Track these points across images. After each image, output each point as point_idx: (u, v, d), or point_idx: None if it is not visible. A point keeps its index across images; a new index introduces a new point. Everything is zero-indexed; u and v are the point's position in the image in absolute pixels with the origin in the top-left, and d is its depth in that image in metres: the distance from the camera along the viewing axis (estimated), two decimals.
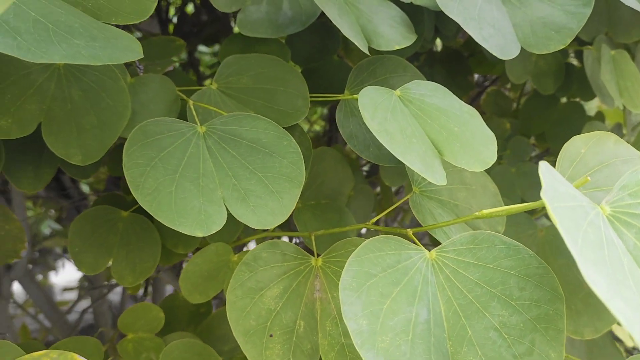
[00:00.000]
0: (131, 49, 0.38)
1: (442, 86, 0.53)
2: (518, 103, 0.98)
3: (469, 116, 0.52)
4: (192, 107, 0.55)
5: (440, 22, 0.78)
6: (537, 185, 0.80)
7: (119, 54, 0.37)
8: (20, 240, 0.70)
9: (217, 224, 0.45)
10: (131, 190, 0.44)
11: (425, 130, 0.50)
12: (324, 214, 0.68)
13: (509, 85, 0.93)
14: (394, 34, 0.57)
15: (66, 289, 2.01)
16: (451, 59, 0.92)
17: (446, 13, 0.54)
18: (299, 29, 0.61)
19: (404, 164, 0.65)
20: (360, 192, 0.75)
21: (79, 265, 0.63)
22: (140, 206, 0.65)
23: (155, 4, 0.43)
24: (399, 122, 0.48)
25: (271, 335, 0.54)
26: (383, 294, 0.43)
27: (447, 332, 0.43)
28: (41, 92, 0.51)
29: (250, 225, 0.46)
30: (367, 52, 0.54)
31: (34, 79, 0.51)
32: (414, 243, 0.47)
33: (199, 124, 0.51)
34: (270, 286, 0.54)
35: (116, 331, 0.70)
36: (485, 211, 0.46)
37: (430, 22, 0.74)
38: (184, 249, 0.67)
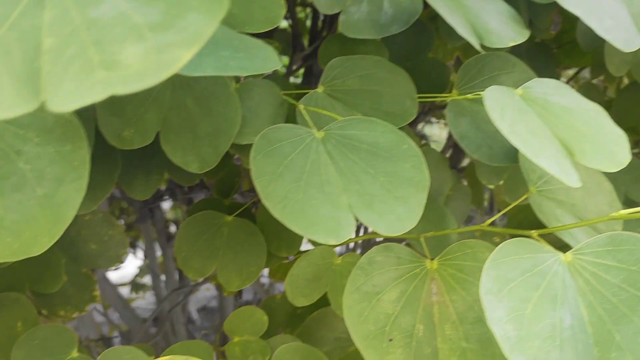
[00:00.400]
0: (271, 59, 0.38)
1: (563, 84, 0.51)
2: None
3: (595, 114, 0.50)
4: (303, 111, 0.55)
5: (535, 15, 0.75)
6: None
7: (261, 64, 0.37)
8: (122, 245, 0.72)
9: (348, 231, 0.45)
10: (262, 199, 0.44)
11: (552, 131, 0.48)
12: (425, 214, 0.67)
13: (601, 77, 0.90)
14: (506, 30, 0.56)
15: (121, 285, 2.05)
16: (537, 52, 0.89)
17: (564, 6, 0.52)
18: (402, 28, 0.60)
19: (503, 165, 0.64)
20: (459, 191, 0.73)
21: (186, 271, 0.64)
22: (243, 210, 0.66)
23: (285, 10, 0.43)
24: (527, 123, 0.46)
25: (391, 340, 0.53)
26: (524, 298, 0.42)
27: (593, 338, 0.42)
28: (158, 101, 0.52)
29: (379, 232, 0.46)
30: (480, 49, 0.53)
31: (151, 89, 0.51)
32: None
33: (315, 129, 0.50)
34: (386, 290, 0.54)
35: (218, 334, 0.71)
36: (623, 212, 0.44)
37: (525, 15, 0.72)
38: (286, 252, 0.67)
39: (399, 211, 0.47)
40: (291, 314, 0.77)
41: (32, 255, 0.35)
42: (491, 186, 0.98)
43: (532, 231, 0.50)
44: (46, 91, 0.22)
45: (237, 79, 0.60)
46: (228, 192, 0.74)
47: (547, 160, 0.44)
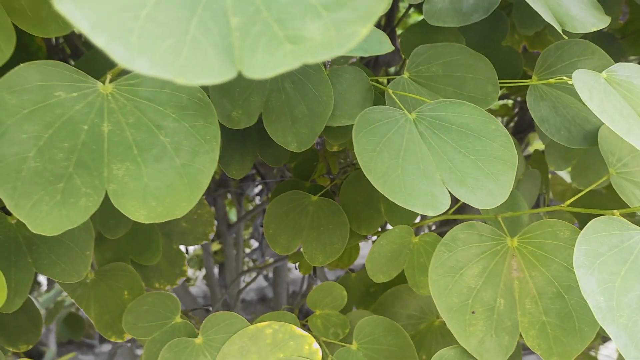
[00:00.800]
0: (385, 43, 0.41)
1: None
2: None
3: None
4: (392, 95, 0.58)
5: (605, 5, 0.77)
6: None
7: (378, 47, 0.40)
8: (210, 224, 0.76)
9: (444, 204, 0.48)
10: (365, 173, 0.47)
11: (637, 112, 0.50)
12: None
13: None
14: (587, 16, 0.58)
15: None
16: (603, 41, 0.91)
17: None
18: (483, 16, 0.63)
19: (574, 148, 0.66)
20: (529, 176, 0.76)
21: (273, 246, 0.68)
22: (327, 191, 0.70)
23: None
24: (614, 103, 0.49)
25: (473, 312, 0.57)
26: (613, 272, 0.45)
27: None
28: (261, 85, 0.56)
29: (472, 205, 0.49)
30: (564, 36, 0.56)
31: None
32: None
33: (406, 111, 0.54)
34: (469, 265, 0.57)
35: (296, 309, 0.75)
36: None
37: None
38: (366, 230, 0.71)
39: (490, 187, 0.50)
40: (364, 292, 0.80)
41: (174, 218, 0.40)
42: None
43: (615, 210, 0.53)
44: (241, 62, 0.26)
45: (324, 65, 0.64)
46: (307, 174, 0.78)
47: (637, 138, 0.46)
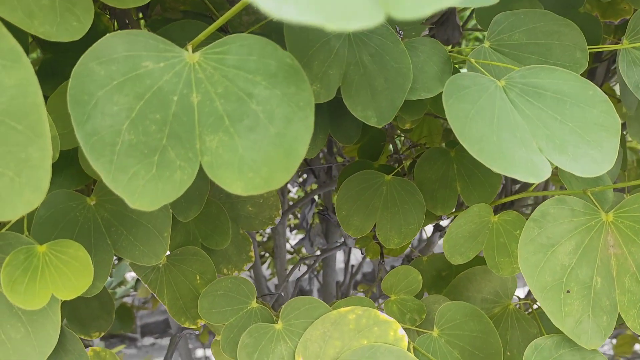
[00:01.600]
0: None
1: None
2: None
3: None
4: (475, 64, 0.55)
5: None
6: None
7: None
8: (276, 207, 0.74)
9: (545, 171, 0.45)
10: (460, 140, 0.45)
11: None
12: None
13: None
14: None
15: None
16: None
17: None
18: None
19: None
20: None
21: (346, 229, 0.66)
22: (399, 171, 0.67)
23: None
24: None
25: (568, 291, 0.53)
26: None
27: None
28: (339, 57, 0.54)
29: (575, 174, 0.46)
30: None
31: (332, 46, 0.53)
32: None
33: (495, 79, 0.51)
34: (561, 242, 0.54)
35: (368, 294, 0.73)
36: None
37: None
38: (441, 211, 0.68)
39: (593, 154, 0.47)
40: (436, 276, 0.78)
41: (272, 189, 0.38)
42: None
43: None
44: (388, 6, 0.23)
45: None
46: (374, 155, 0.76)
47: None
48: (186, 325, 0.62)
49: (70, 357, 0.54)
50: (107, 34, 0.39)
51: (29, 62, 0.32)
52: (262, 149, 0.38)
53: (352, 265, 1.89)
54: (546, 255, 0.54)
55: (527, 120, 0.48)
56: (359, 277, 2.78)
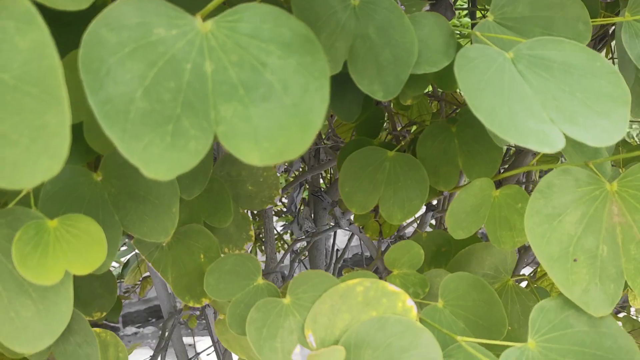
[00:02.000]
0: None
1: None
2: None
3: None
4: (481, 37, 0.55)
5: None
6: None
7: None
8: (275, 187, 0.74)
9: (559, 142, 0.45)
10: (473, 111, 0.44)
11: None
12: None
13: None
14: None
15: None
16: None
17: None
18: None
19: None
20: None
21: (350, 205, 0.66)
22: (402, 146, 0.67)
23: None
24: None
25: (575, 260, 0.54)
26: None
27: None
28: (345, 30, 0.53)
29: (587, 143, 0.46)
30: None
31: (339, 18, 0.53)
32: None
33: (503, 50, 0.51)
34: (567, 212, 0.54)
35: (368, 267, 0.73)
36: None
37: None
38: (444, 186, 0.68)
39: (604, 124, 0.47)
40: (436, 252, 0.78)
41: (289, 159, 0.37)
42: None
43: None
44: None
45: None
46: (374, 133, 0.75)
47: None
48: (190, 304, 0.62)
49: (76, 337, 0.53)
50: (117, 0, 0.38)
51: (44, 24, 0.31)
52: (277, 118, 0.38)
53: (338, 250, 1.89)
54: (552, 225, 0.54)
55: (536, 91, 0.48)
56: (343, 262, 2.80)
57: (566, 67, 0.49)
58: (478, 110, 0.44)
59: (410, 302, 0.54)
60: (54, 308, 0.42)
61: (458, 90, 0.92)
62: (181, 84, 0.37)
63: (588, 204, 0.55)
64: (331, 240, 1.63)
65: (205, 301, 0.62)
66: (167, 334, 1.02)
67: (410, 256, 0.68)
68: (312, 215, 1.36)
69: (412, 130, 0.79)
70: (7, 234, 0.41)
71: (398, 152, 0.66)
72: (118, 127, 0.35)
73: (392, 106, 0.79)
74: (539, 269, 1.21)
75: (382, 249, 1.06)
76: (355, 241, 3.02)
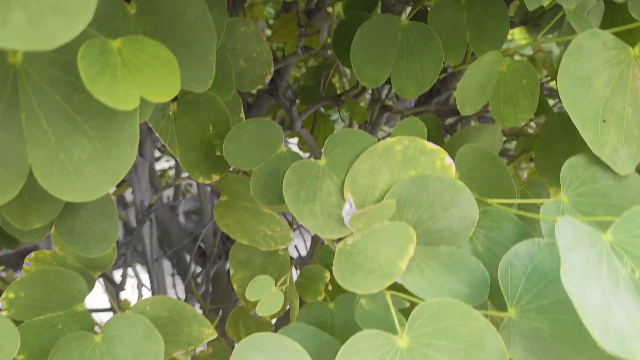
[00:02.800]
0: None
1: None
2: None
3: None
4: None
5: None
6: None
7: None
8: (268, 64, 0.69)
9: None
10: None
11: None
12: None
13: None
14: None
15: None
16: None
17: None
18: None
19: None
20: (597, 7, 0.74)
21: (361, 79, 0.62)
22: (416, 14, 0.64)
23: None
24: None
25: (604, 121, 0.55)
26: None
27: None
28: None
29: None
30: None
31: None
32: None
33: None
34: (596, 75, 0.55)
35: None
36: None
37: None
38: (453, 60, 0.66)
39: None
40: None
41: None
42: None
43: None
44: None
45: None
46: (369, 5, 0.71)
47: None
48: (200, 181, 0.56)
49: (90, 210, 0.46)
50: None
51: None
52: None
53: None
54: (584, 86, 0.54)
55: None
56: None
57: None
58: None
59: (448, 160, 0.52)
60: (116, 148, 0.35)
61: None
62: None
63: (615, 67, 0.55)
64: None
65: (215, 177, 0.57)
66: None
67: (416, 132, 0.66)
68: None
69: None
70: (55, 59, 0.33)
71: (412, 20, 0.62)
72: None
73: None
74: None
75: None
76: None
